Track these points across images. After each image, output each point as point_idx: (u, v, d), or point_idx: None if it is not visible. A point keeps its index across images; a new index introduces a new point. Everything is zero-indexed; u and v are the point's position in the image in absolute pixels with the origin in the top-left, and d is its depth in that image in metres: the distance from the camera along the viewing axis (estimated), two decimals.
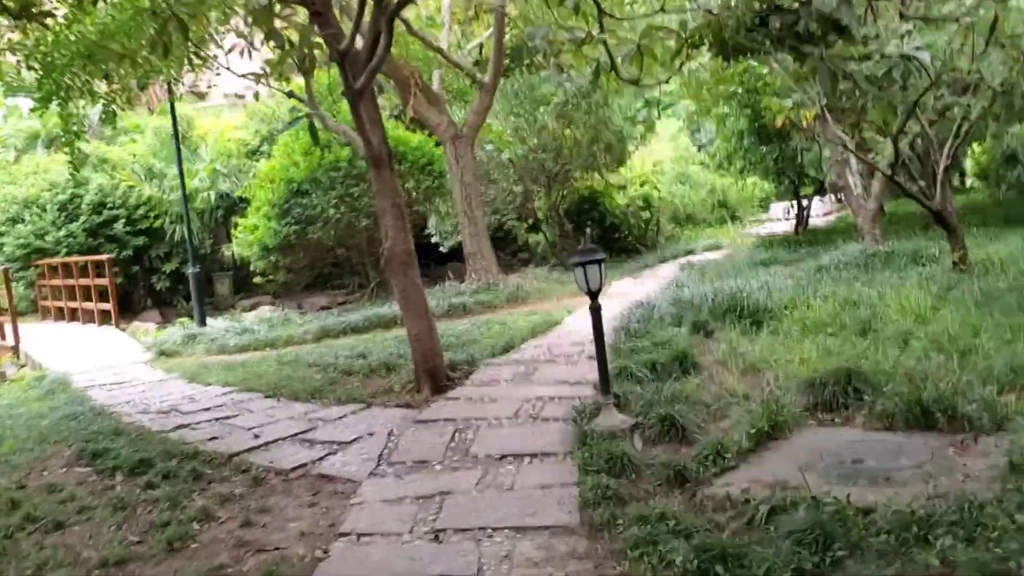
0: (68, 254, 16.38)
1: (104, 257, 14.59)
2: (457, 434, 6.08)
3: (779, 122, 12.75)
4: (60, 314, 16.40)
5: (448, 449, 5.78)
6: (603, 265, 5.76)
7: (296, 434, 6.70)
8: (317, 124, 7.69)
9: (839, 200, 24.94)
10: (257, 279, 17.05)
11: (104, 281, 14.33)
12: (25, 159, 19.02)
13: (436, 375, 7.73)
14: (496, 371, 8.09)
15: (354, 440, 6.29)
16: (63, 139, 11.66)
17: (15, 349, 13.40)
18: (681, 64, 6.81)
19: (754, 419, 5.17)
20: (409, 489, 5.14)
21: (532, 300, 13.86)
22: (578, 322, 10.98)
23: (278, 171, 15.57)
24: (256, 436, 6.77)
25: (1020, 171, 17.84)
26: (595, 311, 5.84)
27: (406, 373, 8.40)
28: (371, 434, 6.39)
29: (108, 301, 14.32)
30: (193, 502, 5.34)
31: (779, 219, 26.33)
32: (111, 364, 12.22)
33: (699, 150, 33.55)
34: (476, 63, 15.27)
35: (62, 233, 16.44)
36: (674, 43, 6.58)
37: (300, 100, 8.80)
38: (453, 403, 7.03)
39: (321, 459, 5.97)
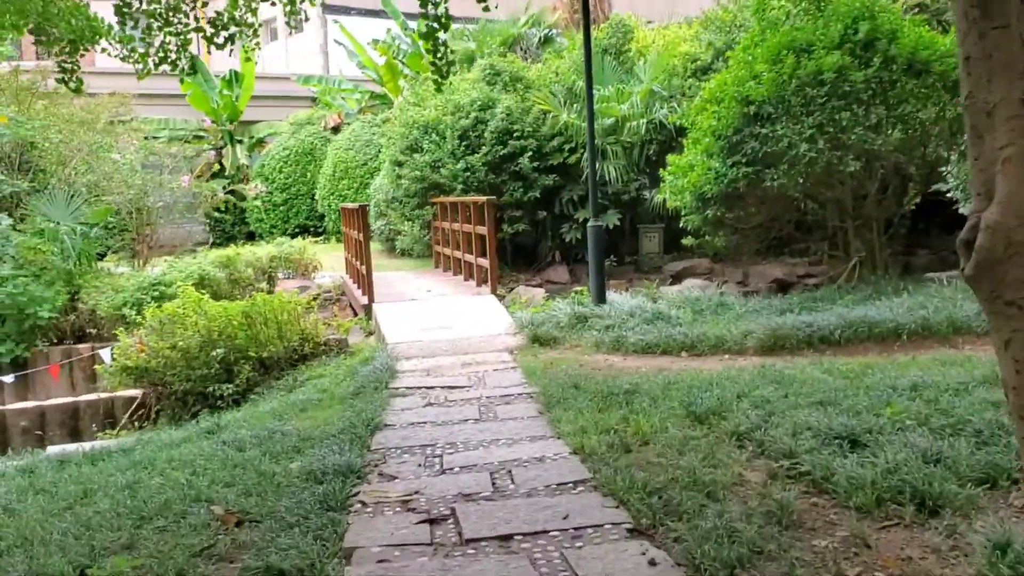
0: (465, 192, 13.27)
1: (482, 199, 11.03)
2: None
3: None
4: (449, 264, 13.45)
5: None
6: None
7: None
8: None
9: None
10: (686, 240, 12.51)
11: (483, 230, 10.78)
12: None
13: None
14: None
15: None
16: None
17: (367, 309, 10.44)
18: None
19: None
20: None
21: None
22: None
23: (729, 86, 10.72)
24: None
25: None
26: None
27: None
28: None
29: (486, 256, 10.77)
30: None
31: None
32: (465, 348, 8.68)
33: None
34: None
35: (459, 166, 13.32)
36: None
37: None
38: None
39: None
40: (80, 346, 12.87)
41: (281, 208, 23.10)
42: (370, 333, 10.01)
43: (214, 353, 8.30)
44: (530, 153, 13.34)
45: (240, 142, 25.17)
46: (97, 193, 14.19)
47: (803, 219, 12.77)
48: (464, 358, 8.35)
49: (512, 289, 11.92)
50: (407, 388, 7.16)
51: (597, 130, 13.42)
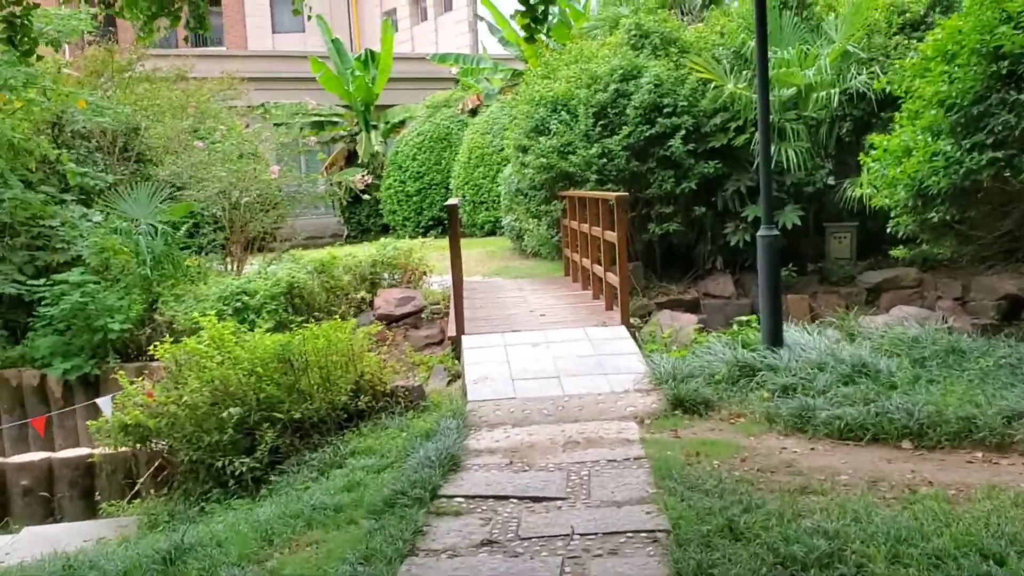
0: (601, 184, 10.55)
1: (611, 195, 8.31)
2: None
3: None
4: (578, 274, 10.78)
5: None
6: None
7: None
8: None
9: None
10: (896, 251, 9.33)
11: (612, 236, 8.07)
12: (572, 45, 13.58)
13: None
14: None
15: None
16: None
17: (455, 343, 7.97)
18: None
19: None
20: None
21: None
22: None
23: (968, 35, 7.52)
24: None
25: None
26: None
27: None
28: None
29: (615, 271, 8.06)
30: None
31: None
32: (574, 413, 6.11)
33: None
34: None
35: (594, 151, 10.58)
36: None
37: None
38: None
39: None
40: (155, 364, 11.19)
41: (415, 199, 21.09)
42: (455, 377, 7.58)
43: (225, 414, 6.07)
44: (684, 133, 10.45)
45: (375, 127, 23.42)
46: (180, 186, 12.46)
47: None
48: (570, 430, 5.76)
49: (656, 307, 9.08)
50: (465, 499, 4.65)
51: (773, 103, 10.43)
